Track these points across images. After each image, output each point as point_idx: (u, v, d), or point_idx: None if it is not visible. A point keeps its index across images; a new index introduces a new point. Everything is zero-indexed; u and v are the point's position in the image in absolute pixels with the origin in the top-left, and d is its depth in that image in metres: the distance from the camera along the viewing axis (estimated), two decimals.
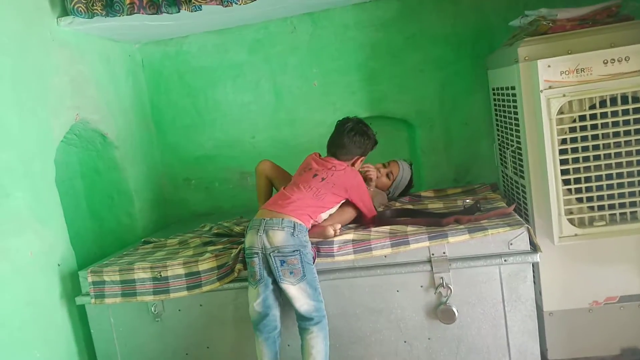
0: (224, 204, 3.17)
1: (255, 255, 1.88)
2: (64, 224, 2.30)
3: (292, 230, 1.88)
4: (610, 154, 1.95)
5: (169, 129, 3.15)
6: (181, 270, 2.05)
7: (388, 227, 2.05)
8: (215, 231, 2.48)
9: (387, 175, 2.52)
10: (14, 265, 1.97)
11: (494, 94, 2.60)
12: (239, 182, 3.14)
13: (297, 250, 1.86)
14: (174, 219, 3.18)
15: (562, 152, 1.97)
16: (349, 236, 2.00)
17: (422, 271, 1.94)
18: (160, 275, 2.06)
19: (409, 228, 2.00)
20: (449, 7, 2.84)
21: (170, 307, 2.13)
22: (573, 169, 1.98)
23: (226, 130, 3.10)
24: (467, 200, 2.23)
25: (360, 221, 2.21)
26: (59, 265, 2.20)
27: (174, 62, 3.08)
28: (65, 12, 2.38)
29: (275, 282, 1.89)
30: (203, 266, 2.04)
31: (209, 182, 3.18)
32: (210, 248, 2.20)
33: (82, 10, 2.30)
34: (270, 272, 1.88)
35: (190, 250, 2.25)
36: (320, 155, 2.23)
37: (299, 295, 1.85)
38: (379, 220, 2.14)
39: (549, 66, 1.95)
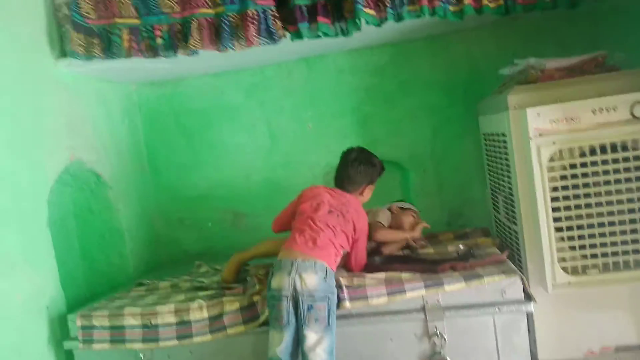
0: (217, 244, 3.15)
1: (285, 299, 1.82)
2: (54, 266, 2.28)
3: (325, 275, 1.85)
4: (601, 201, 1.97)
5: (164, 169, 3.16)
6: (172, 319, 2.01)
7: (383, 273, 2.03)
8: (206, 282, 2.42)
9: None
10: (1, 309, 1.93)
11: (485, 140, 2.63)
12: (233, 222, 3.13)
13: (326, 297, 1.82)
14: (166, 259, 3.15)
15: (554, 199, 1.97)
16: (343, 282, 1.97)
17: (415, 320, 1.92)
18: (151, 323, 2.02)
19: (404, 275, 1.99)
20: (442, 53, 2.91)
21: (160, 354, 2.08)
22: (565, 216, 1.97)
23: (221, 170, 3.12)
24: (461, 247, 2.23)
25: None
26: (47, 308, 2.16)
27: (171, 103, 3.12)
28: (64, 54, 2.42)
29: (298, 328, 1.83)
30: (194, 315, 2.00)
31: (203, 222, 3.16)
32: (201, 293, 2.17)
33: (81, 53, 2.34)
34: (297, 317, 1.82)
35: (182, 294, 2.22)
36: (329, 188, 2.18)
37: (317, 346, 1.78)
38: (369, 267, 2.11)
39: (538, 114, 1.98)
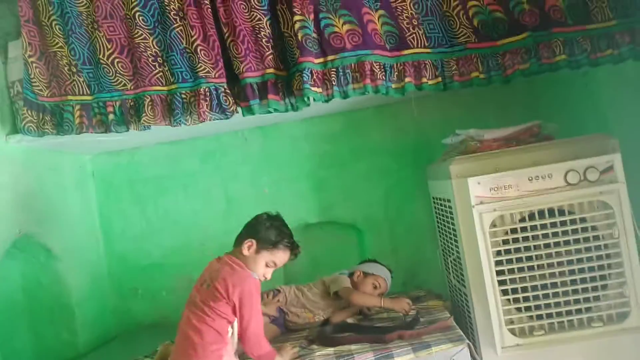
0: (172, 314, 3.04)
1: None
2: None
3: None
4: (543, 264, 2.05)
5: (117, 238, 3.12)
6: None
7: (332, 348, 2.00)
8: None
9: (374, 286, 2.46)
10: None
11: (434, 203, 2.72)
12: (187, 290, 3.06)
13: None
14: (119, 332, 3.05)
15: (498, 263, 2.06)
16: None
17: None
18: None
19: (353, 347, 1.98)
20: (390, 121, 3.04)
21: None
22: (510, 279, 2.05)
23: (175, 238, 3.09)
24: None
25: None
26: None
27: (126, 172, 3.12)
28: (15, 130, 2.42)
29: None
30: None
31: (156, 291, 3.10)
32: None
33: (33, 130, 2.33)
34: None
35: None
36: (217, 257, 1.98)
37: None
38: (320, 338, 2.10)
39: (479, 183, 2.08)
